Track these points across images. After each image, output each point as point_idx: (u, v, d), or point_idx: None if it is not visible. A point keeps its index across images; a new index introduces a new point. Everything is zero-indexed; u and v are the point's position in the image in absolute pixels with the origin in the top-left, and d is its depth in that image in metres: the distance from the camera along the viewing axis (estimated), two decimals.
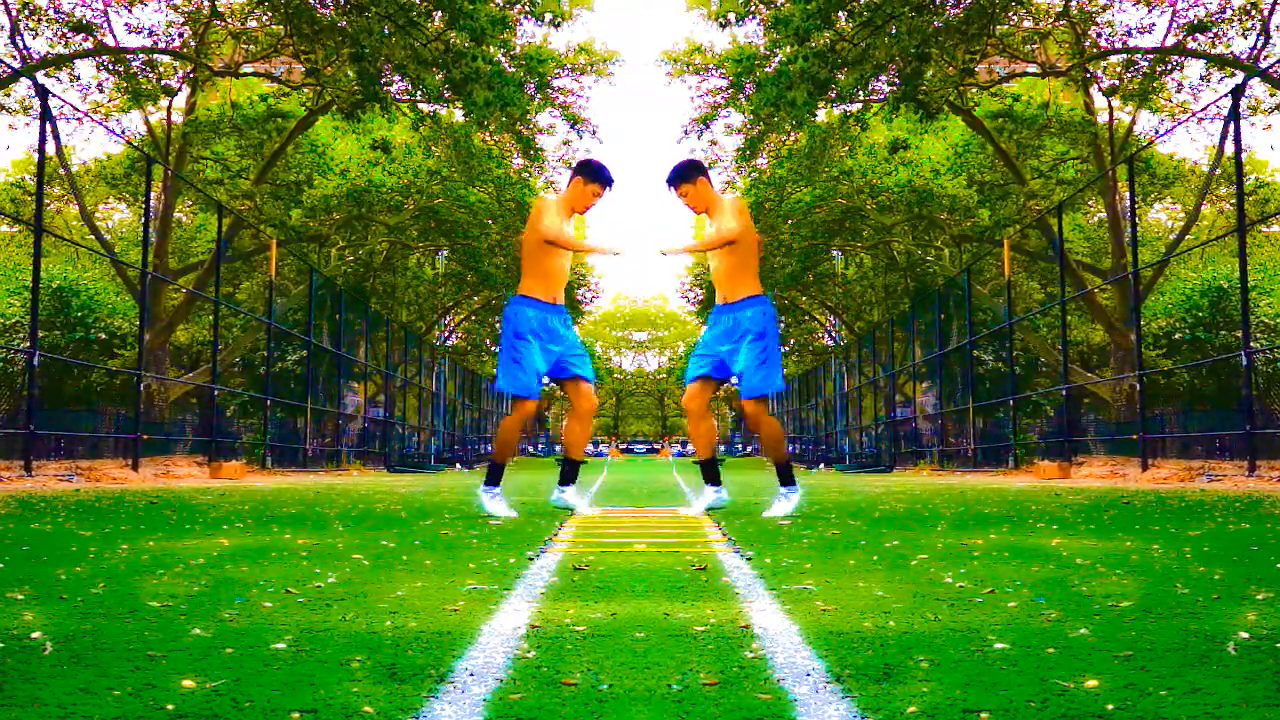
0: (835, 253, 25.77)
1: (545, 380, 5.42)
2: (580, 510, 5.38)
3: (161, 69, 17.62)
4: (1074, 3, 16.62)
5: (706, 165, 5.34)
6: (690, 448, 67.34)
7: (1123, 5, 17.29)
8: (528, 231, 5.39)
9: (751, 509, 5.67)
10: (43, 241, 9.74)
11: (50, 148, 14.00)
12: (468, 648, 1.68)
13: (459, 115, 20.27)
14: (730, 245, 5.17)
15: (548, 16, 17.31)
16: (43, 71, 16.34)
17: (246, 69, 17.73)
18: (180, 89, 18.08)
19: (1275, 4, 15.48)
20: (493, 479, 5.32)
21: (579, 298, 37.34)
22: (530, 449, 49.83)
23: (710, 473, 5.46)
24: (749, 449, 55.48)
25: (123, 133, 18.52)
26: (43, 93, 10.48)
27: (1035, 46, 17.31)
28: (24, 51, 16.09)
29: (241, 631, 1.81)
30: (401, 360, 24.80)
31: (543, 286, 5.30)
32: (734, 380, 5.38)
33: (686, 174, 5.43)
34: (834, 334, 35.41)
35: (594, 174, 5.43)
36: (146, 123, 18.44)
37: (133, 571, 2.68)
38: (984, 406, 18.05)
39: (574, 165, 5.43)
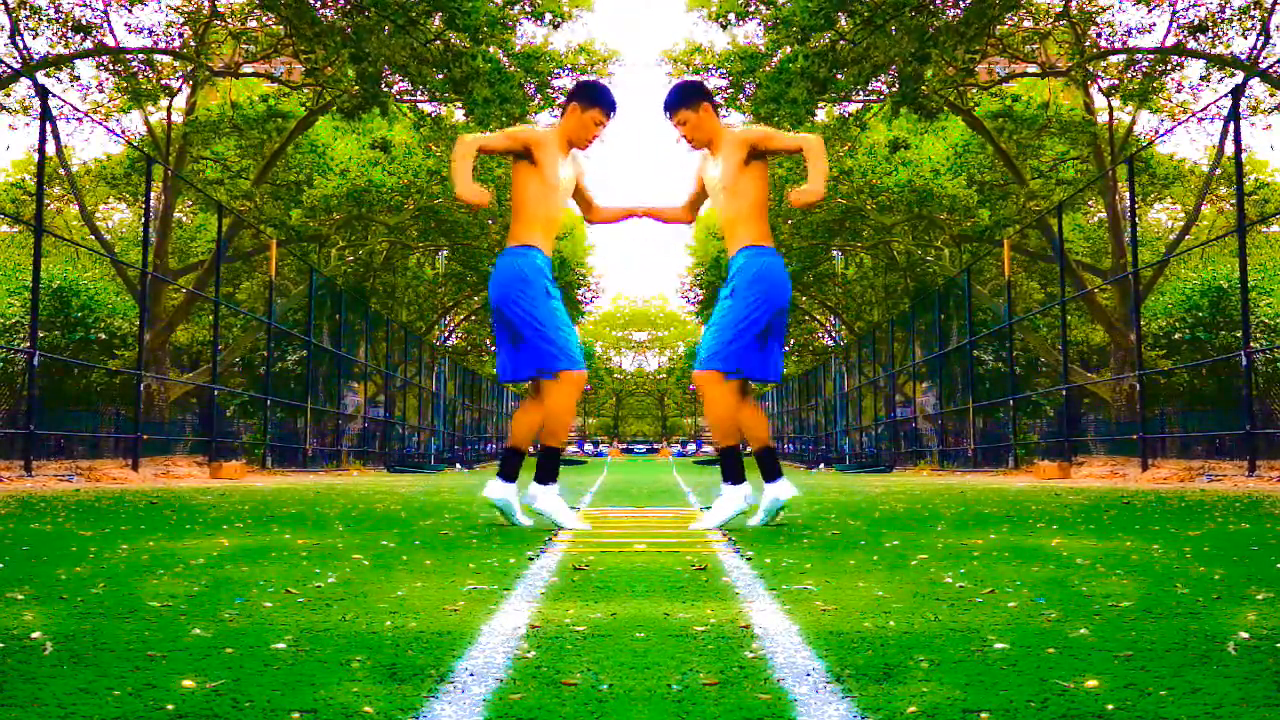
0: (835, 253, 25.78)
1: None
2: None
3: (161, 69, 17.63)
4: (1074, 3, 16.62)
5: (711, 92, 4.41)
6: (690, 448, 67.49)
7: (1123, 5, 17.31)
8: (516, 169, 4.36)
9: (751, 509, 5.66)
10: (43, 241, 9.74)
11: (50, 148, 14.00)
12: (468, 648, 1.68)
13: (459, 115, 20.28)
14: (733, 187, 4.26)
15: (547, 16, 17.32)
16: (43, 71, 16.34)
17: (246, 69, 17.73)
18: (180, 89, 18.09)
19: (1275, 4, 15.48)
20: (548, 473, 4.26)
21: (579, 298, 37.31)
22: (530, 449, 49.13)
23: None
24: (749, 449, 54.18)
25: (123, 133, 18.53)
26: (43, 93, 10.48)
27: (1035, 46, 17.32)
28: (24, 51, 16.09)
29: (241, 631, 1.82)
30: (401, 360, 24.79)
31: (546, 239, 4.30)
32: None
33: (688, 97, 4.36)
34: (834, 334, 35.41)
35: (593, 97, 4.34)
36: (146, 123, 18.44)
37: (133, 571, 2.68)
38: (984, 406, 18.05)
39: (569, 91, 4.39)
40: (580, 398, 4.31)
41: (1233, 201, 17.49)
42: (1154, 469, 11.83)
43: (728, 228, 4.33)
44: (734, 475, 4.28)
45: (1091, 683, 1.42)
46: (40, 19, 16.07)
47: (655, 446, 68.01)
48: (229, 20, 17.24)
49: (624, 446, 68.06)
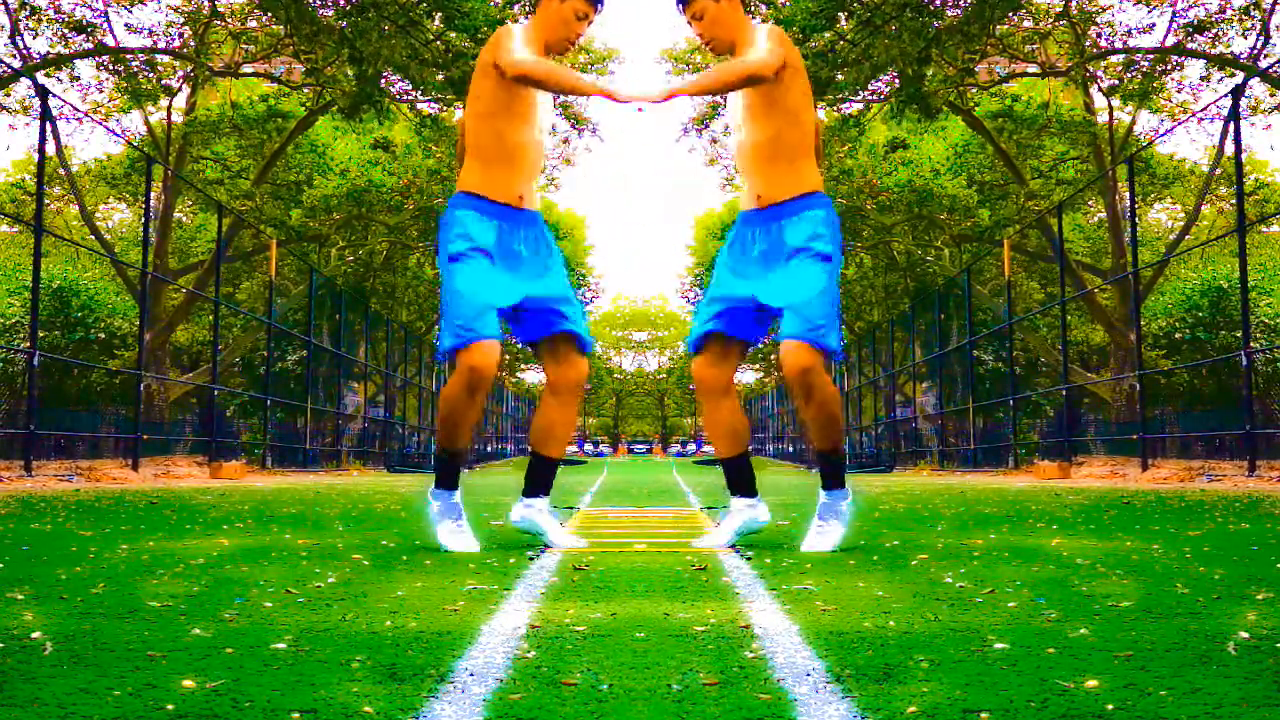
0: None
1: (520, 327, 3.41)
2: (555, 540, 3.40)
3: (161, 69, 17.64)
4: (1074, 3, 16.63)
5: None
6: (690, 448, 67.50)
7: (1123, 5, 17.33)
8: (474, 89, 3.30)
9: None
10: (43, 241, 9.74)
11: (50, 148, 14.00)
12: (468, 648, 1.68)
13: (460, 115, 20.29)
14: (770, 104, 3.19)
15: None
16: (43, 71, 16.35)
17: (246, 69, 17.74)
18: (180, 89, 18.11)
19: (1275, 4, 15.49)
20: (445, 479, 3.39)
21: (579, 297, 37.27)
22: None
23: (738, 478, 3.47)
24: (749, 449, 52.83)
25: (123, 133, 18.53)
26: (43, 93, 10.48)
27: (1035, 46, 17.33)
28: (24, 51, 16.10)
29: (241, 631, 1.81)
30: (401, 360, 24.80)
31: (498, 177, 3.28)
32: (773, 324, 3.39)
33: None
34: None
35: None
36: (146, 123, 18.45)
37: (133, 571, 2.68)
38: (984, 406, 18.05)
39: None
40: (482, 386, 3.25)
41: (1233, 201, 17.49)
42: (1154, 469, 11.83)
43: (758, 161, 3.27)
44: (838, 480, 3.37)
45: (1091, 683, 1.42)
46: (40, 19, 16.08)
47: (651, 447, 68.36)
48: (229, 20, 17.25)
49: (628, 446, 68.39)
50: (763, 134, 3.25)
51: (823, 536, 3.30)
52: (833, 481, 3.36)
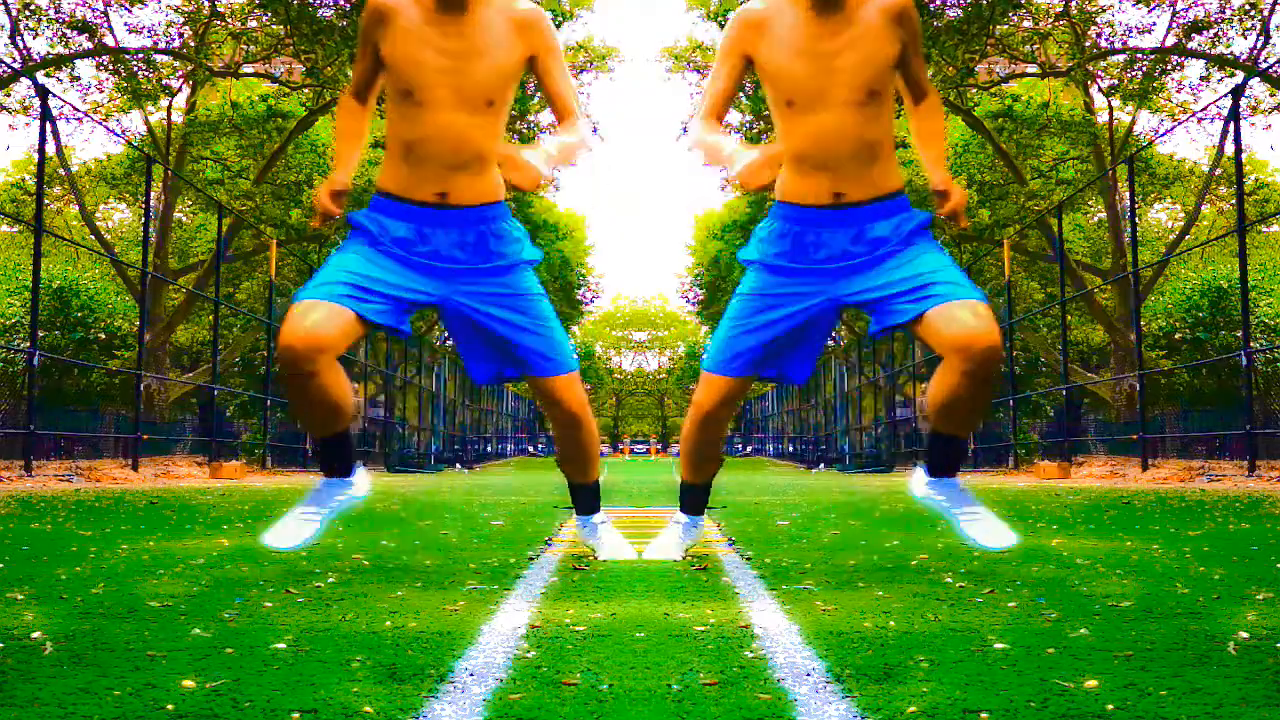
0: None
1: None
2: (602, 552, 3.11)
3: (161, 69, 17.65)
4: (1074, 3, 16.63)
5: None
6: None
7: (1123, 5, 17.34)
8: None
9: (751, 509, 5.67)
10: (43, 241, 9.73)
11: (50, 148, 13.99)
12: (468, 648, 1.68)
13: None
14: (882, 67, 2.56)
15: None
16: (43, 71, 16.35)
17: (246, 69, 17.75)
18: (180, 89, 18.11)
19: (1275, 4, 15.50)
20: (337, 466, 2.96)
21: (579, 297, 37.24)
22: (530, 449, 48.43)
23: (702, 500, 3.15)
24: (749, 449, 52.79)
25: (123, 133, 18.53)
26: (43, 93, 10.47)
27: (1035, 46, 17.33)
28: (24, 51, 16.11)
29: (241, 631, 1.81)
30: (401, 360, 24.80)
31: (409, 173, 2.62)
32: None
33: None
34: (834, 334, 35.44)
35: None
36: (146, 123, 18.45)
37: (133, 571, 2.68)
38: None
39: None
40: (300, 368, 2.64)
41: (1233, 201, 17.48)
42: (1154, 469, 11.83)
43: (829, 148, 2.59)
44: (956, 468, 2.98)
45: (1091, 683, 1.42)
46: (40, 19, 16.09)
47: (648, 448, 68.66)
48: (229, 20, 17.25)
49: (631, 447, 68.64)
50: (871, 124, 2.58)
51: (982, 523, 2.77)
52: (953, 469, 2.91)
